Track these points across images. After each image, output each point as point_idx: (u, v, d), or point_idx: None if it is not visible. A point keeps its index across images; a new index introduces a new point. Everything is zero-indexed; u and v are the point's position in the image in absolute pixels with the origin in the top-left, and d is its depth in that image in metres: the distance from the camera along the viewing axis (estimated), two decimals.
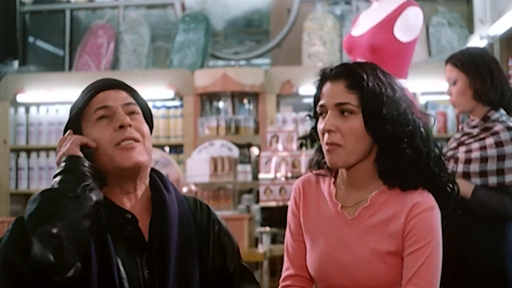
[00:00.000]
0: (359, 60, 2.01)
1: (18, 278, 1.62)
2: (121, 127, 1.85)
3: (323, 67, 2.01)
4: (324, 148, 1.95)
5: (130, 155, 1.83)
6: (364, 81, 1.89)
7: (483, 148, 2.85)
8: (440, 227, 1.92)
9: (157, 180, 1.95)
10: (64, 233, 1.65)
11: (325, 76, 1.98)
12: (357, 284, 1.92)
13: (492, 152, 2.82)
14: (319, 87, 1.99)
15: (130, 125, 1.86)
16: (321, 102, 1.96)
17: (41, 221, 1.66)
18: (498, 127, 2.85)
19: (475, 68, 2.93)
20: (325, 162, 2.02)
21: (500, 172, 2.81)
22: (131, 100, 1.92)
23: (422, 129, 1.95)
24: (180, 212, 1.92)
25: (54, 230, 1.65)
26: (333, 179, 2.04)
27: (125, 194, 1.88)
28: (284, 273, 2.08)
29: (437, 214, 1.92)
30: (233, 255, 1.99)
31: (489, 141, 2.84)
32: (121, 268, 1.78)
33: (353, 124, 1.90)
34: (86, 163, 1.80)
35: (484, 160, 2.83)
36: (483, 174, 2.83)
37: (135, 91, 1.97)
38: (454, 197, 1.98)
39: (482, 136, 2.88)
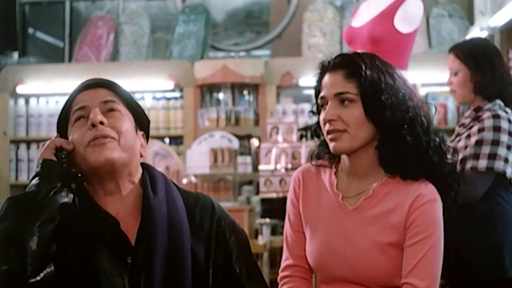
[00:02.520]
0: (358, 50, 2.00)
1: None
2: (93, 125, 1.82)
3: (322, 60, 2.02)
4: (328, 137, 1.95)
5: (101, 152, 1.80)
6: (362, 70, 1.91)
7: (468, 136, 2.87)
8: (442, 219, 1.92)
9: (146, 180, 1.90)
10: (24, 239, 1.65)
11: (324, 68, 1.99)
12: (357, 275, 1.92)
13: (473, 138, 2.84)
14: (319, 80, 2.00)
15: (102, 123, 1.82)
16: (321, 94, 1.97)
17: (2, 229, 1.67)
18: (485, 114, 2.87)
19: (476, 61, 2.93)
20: (326, 153, 2.03)
21: (475, 156, 2.81)
22: (111, 97, 1.89)
23: (422, 118, 1.95)
24: (171, 215, 1.86)
25: (14, 237, 1.65)
26: (334, 170, 2.03)
27: (109, 195, 1.85)
28: (283, 263, 2.08)
29: (439, 206, 1.92)
30: (240, 255, 1.94)
31: (474, 128, 2.86)
32: (103, 274, 1.74)
33: (353, 112, 1.91)
34: (59, 166, 1.80)
35: (467, 147, 2.85)
36: (463, 160, 2.84)
37: (117, 87, 1.93)
38: (455, 188, 1.98)
39: (471, 124, 2.90)
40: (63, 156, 1.83)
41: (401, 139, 1.91)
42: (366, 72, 1.91)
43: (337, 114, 1.92)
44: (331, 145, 1.95)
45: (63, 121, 1.91)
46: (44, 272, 1.66)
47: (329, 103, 1.94)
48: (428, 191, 1.92)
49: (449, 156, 2.01)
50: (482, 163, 2.79)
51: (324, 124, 1.95)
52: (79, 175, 1.88)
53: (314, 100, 2.04)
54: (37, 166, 1.80)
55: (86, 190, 1.87)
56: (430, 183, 1.93)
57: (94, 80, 1.93)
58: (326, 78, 1.97)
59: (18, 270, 1.62)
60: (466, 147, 2.85)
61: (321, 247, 1.97)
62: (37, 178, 1.77)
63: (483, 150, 2.81)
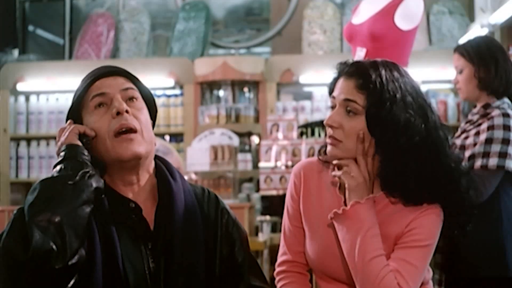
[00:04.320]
0: (378, 59, 1.96)
1: (19, 267, 1.62)
2: (118, 113, 1.82)
3: (341, 61, 1.99)
4: (326, 139, 1.94)
5: (129, 147, 1.81)
6: (373, 84, 1.87)
7: (477, 133, 2.87)
8: (439, 233, 1.90)
9: (163, 168, 1.94)
10: (64, 220, 1.65)
11: (340, 72, 1.96)
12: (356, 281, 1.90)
13: (483, 136, 2.83)
14: (334, 80, 1.98)
15: (127, 111, 1.83)
16: (333, 94, 1.96)
17: (40, 210, 1.66)
18: (495, 112, 2.87)
19: (480, 57, 2.95)
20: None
21: (485, 155, 2.81)
22: (130, 85, 1.89)
23: (436, 140, 1.89)
24: (187, 201, 1.89)
25: (54, 218, 1.64)
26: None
27: (128, 185, 1.87)
28: (280, 258, 2.08)
29: (440, 220, 1.90)
30: (242, 246, 1.96)
31: (484, 126, 2.86)
32: (126, 258, 1.77)
33: (355, 125, 1.89)
34: (85, 152, 1.79)
35: (475, 145, 2.85)
36: (471, 157, 2.84)
37: (135, 77, 1.94)
38: (470, 220, 1.95)
39: (480, 122, 2.90)
40: (87, 142, 1.82)
41: (403, 165, 1.86)
42: (377, 87, 1.87)
43: (339, 122, 1.90)
44: (327, 148, 1.94)
45: (77, 109, 1.89)
46: (79, 254, 1.66)
47: (337, 107, 1.92)
48: (430, 206, 1.89)
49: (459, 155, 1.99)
50: (493, 162, 2.79)
51: (328, 129, 1.94)
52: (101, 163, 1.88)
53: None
54: (62, 150, 1.79)
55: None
56: (436, 203, 1.90)
57: (111, 67, 1.92)
58: (340, 81, 1.94)
59: (60, 251, 1.61)
60: (474, 144, 2.86)
61: (320, 248, 1.97)
62: (64, 162, 1.76)
63: (493, 148, 2.81)
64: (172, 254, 1.81)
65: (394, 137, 1.85)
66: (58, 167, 1.76)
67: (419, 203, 1.89)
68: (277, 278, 2.08)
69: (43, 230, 1.62)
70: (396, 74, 1.90)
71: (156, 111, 1.99)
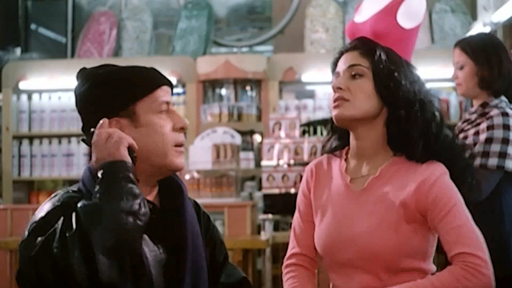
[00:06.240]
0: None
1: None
2: (181, 129, 1.89)
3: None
4: (332, 106, 1.98)
5: (181, 160, 1.89)
6: (378, 50, 1.98)
7: (476, 133, 2.86)
8: (455, 187, 1.92)
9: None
10: (127, 252, 1.65)
11: (343, 49, 2.05)
12: (365, 256, 1.90)
13: (483, 136, 2.82)
14: (336, 59, 2.05)
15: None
16: (336, 70, 2.02)
17: (108, 240, 1.61)
18: (494, 112, 2.85)
19: (484, 56, 2.91)
20: (336, 144, 2.06)
21: (485, 154, 2.80)
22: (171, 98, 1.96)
23: (434, 109, 1.98)
24: (187, 203, 1.97)
25: (119, 252, 1.63)
26: (344, 156, 2.05)
27: (148, 188, 1.89)
28: (289, 252, 2.09)
29: (449, 177, 1.92)
30: (221, 246, 2.05)
31: (483, 125, 2.84)
32: (147, 255, 1.79)
33: (362, 85, 1.95)
34: (134, 171, 1.74)
35: (475, 145, 2.83)
36: (470, 157, 2.83)
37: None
38: (469, 183, 1.98)
39: (478, 121, 2.89)
40: (133, 158, 1.76)
41: (410, 116, 1.93)
42: (381, 52, 1.98)
43: (346, 84, 1.96)
44: (334, 113, 1.97)
45: (133, 97, 1.83)
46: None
47: (341, 75, 1.98)
48: (437, 166, 1.92)
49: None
50: (493, 161, 2.78)
51: (334, 93, 1.98)
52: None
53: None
54: (110, 166, 1.70)
55: None
56: (437, 162, 1.93)
57: (166, 78, 1.93)
58: (342, 57, 2.03)
59: (117, 284, 1.65)
60: (474, 144, 2.84)
61: (329, 229, 1.98)
62: (123, 181, 1.68)
63: (493, 148, 2.80)
64: (186, 250, 1.86)
65: (403, 91, 1.94)
66: (113, 186, 1.67)
67: (422, 160, 1.92)
68: (284, 271, 2.08)
69: (109, 261, 1.61)
70: (393, 52, 2.05)
71: None
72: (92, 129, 1.79)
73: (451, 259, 1.84)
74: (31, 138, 6.71)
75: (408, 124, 1.93)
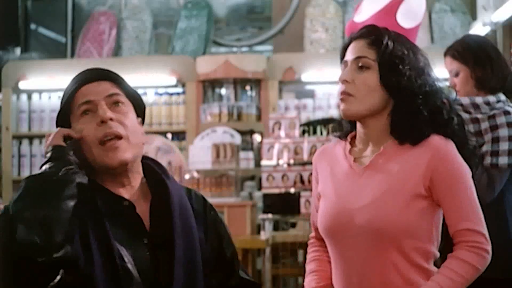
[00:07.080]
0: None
1: (5, 262, 1.67)
2: (103, 122, 1.84)
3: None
4: (339, 99, 2.02)
5: (115, 156, 1.83)
6: (384, 39, 1.99)
7: (478, 134, 2.86)
8: (463, 160, 1.95)
9: (154, 168, 1.96)
10: (48, 214, 1.68)
11: (351, 37, 2.07)
12: (366, 231, 1.92)
13: (488, 136, 2.82)
14: (345, 47, 2.07)
15: (111, 119, 1.85)
16: (344, 58, 2.05)
17: (24, 205, 1.69)
18: (494, 111, 2.85)
19: (474, 58, 2.93)
20: (347, 132, 2.09)
21: (494, 153, 2.80)
22: (115, 90, 1.91)
23: (443, 96, 2.00)
24: (180, 198, 1.93)
25: (37, 212, 1.67)
26: (349, 140, 2.07)
27: (120, 187, 1.89)
28: (313, 226, 2.16)
29: (456, 151, 1.95)
30: (229, 241, 2.02)
31: (484, 125, 2.84)
32: (124, 254, 1.78)
33: (367, 78, 1.97)
34: (70, 152, 1.82)
35: (481, 145, 2.83)
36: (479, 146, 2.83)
37: (119, 78, 1.96)
38: (475, 168, 2.01)
39: (479, 117, 2.89)
40: (71, 143, 1.85)
41: (415, 109, 1.95)
42: (388, 42, 1.99)
43: (352, 77, 1.98)
44: (340, 107, 2.01)
45: (65, 113, 1.92)
46: (65, 249, 1.68)
47: (348, 65, 2.01)
48: (445, 141, 1.95)
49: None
50: (503, 160, 2.78)
51: (341, 85, 2.01)
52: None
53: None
54: (48, 152, 1.82)
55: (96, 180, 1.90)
56: (439, 135, 1.96)
57: (96, 72, 1.95)
58: (351, 45, 2.04)
59: (44, 243, 1.65)
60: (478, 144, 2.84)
61: (330, 208, 2.00)
62: (49, 162, 1.79)
63: (501, 147, 2.80)
64: (173, 247, 1.83)
65: (408, 83, 1.95)
66: (44, 167, 1.79)
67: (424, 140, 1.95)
68: (309, 246, 2.17)
69: (27, 225, 1.65)
70: (404, 37, 2.06)
71: (144, 107, 2.00)
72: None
73: (453, 235, 1.93)
74: (30, 138, 6.72)
75: (413, 116, 1.95)
